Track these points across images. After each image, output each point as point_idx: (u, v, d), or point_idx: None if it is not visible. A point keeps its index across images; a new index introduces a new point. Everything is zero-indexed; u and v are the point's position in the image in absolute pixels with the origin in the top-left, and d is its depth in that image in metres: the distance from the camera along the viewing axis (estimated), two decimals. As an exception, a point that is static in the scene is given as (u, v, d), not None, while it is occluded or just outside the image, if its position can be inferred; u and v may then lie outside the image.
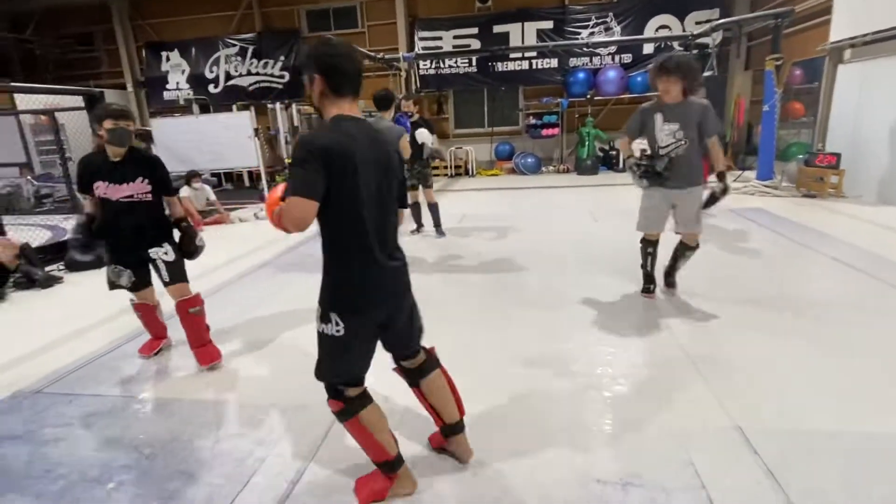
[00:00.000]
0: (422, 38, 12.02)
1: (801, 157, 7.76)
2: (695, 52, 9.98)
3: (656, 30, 11.12)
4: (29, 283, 4.81)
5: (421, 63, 11.95)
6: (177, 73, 13.38)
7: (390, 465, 1.82)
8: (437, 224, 6.01)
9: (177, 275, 2.91)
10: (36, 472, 2.10)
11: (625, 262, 4.54)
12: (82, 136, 8.87)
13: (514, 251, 5.21)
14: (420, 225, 6.23)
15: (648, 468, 1.95)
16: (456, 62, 12.04)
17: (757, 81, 9.73)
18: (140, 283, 2.94)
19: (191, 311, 2.91)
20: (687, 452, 2.02)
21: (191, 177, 7.58)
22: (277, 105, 11.08)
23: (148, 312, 3.07)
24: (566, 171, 11.69)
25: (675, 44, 10.27)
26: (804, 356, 2.77)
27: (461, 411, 2.00)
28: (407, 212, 5.89)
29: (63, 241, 5.84)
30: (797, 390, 2.43)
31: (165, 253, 2.88)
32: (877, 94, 6.80)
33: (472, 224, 6.61)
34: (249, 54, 12.94)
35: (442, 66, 12.12)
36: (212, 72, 13.27)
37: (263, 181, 9.42)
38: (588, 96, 11.25)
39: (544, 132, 11.76)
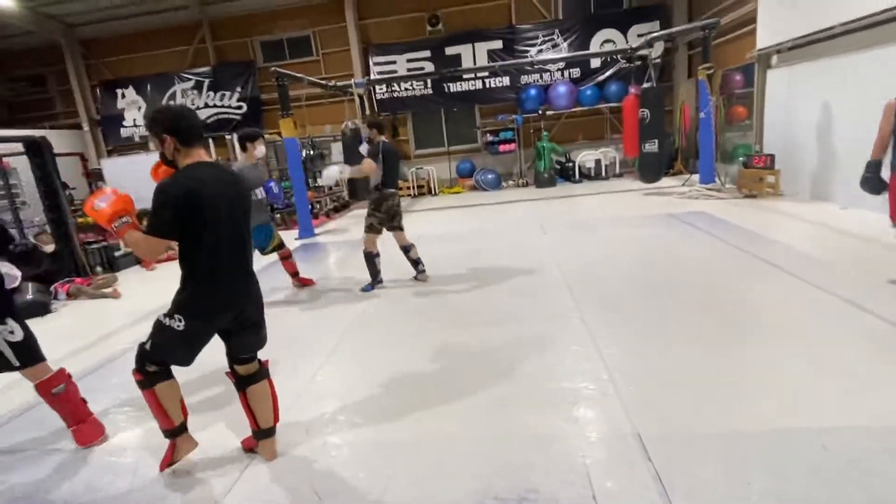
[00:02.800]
0: (376, 63, 12.24)
1: (740, 158, 8.09)
2: (637, 63, 10.39)
3: (601, 44, 11.52)
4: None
5: (377, 87, 12.14)
6: (133, 110, 13.32)
7: (171, 433, 2.25)
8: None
9: (29, 355, 2.49)
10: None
11: (557, 273, 4.69)
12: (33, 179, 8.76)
13: (460, 270, 5.30)
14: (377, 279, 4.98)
15: (547, 480, 2.02)
16: (411, 85, 12.26)
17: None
18: None
19: (53, 392, 2.55)
20: (585, 462, 2.11)
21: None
22: (235, 136, 11.12)
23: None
24: (525, 185, 11.93)
25: (619, 56, 10.65)
26: (715, 359, 2.89)
27: (276, 419, 2.35)
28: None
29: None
30: (702, 394, 2.55)
31: (11, 332, 2.42)
32: (803, 96, 7.16)
33: (425, 246, 6.68)
34: (206, 87, 12.98)
35: (397, 89, 12.33)
36: (169, 107, 13.23)
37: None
38: (541, 111, 11.56)
39: (502, 148, 12.00)
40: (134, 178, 9.27)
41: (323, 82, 9.88)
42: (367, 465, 2.24)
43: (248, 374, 2.28)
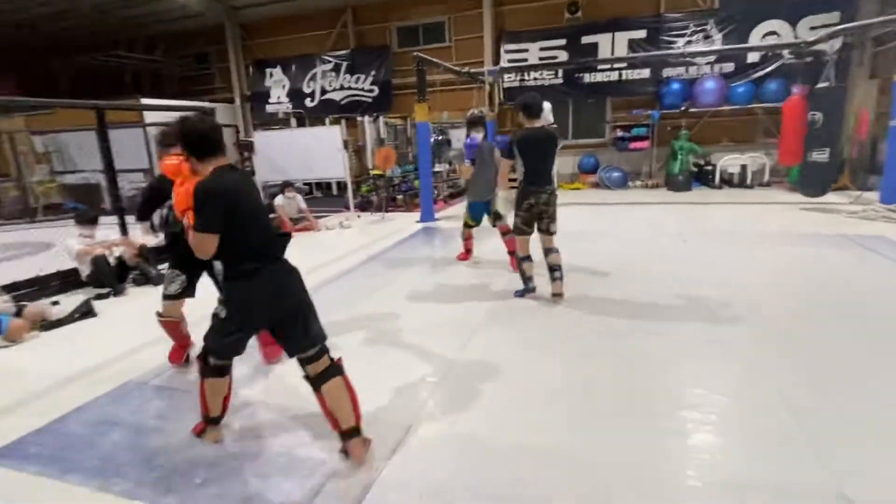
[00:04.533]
0: (508, 51, 12.04)
1: (938, 178, 6.78)
2: (808, 59, 9.13)
3: (763, 36, 10.29)
4: (145, 279, 5.39)
5: (506, 76, 11.96)
6: (278, 89, 14.45)
7: (206, 419, 2.42)
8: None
9: None
10: (138, 458, 2.33)
11: (716, 291, 4.23)
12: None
13: (594, 273, 5.01)
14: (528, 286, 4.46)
15: (735, 531, 1.77)
16: (541, 74, 11.91)
17: (884, 91, 8.65)
18: (184, 293, 3.12)
19: None
20: (782, 519, 1.81)
21: (285, 186, 8.13)
22: (366, 118, 11.62)
23: (176, 326, 3.24)
24: (655, 187, 11.11)
25: (785, 52, 9.43)
26: (935, 418, 2.39)
27: (357, 419, 2.21)
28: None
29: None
30: (925, 459, 2.10)
31: None
32: None
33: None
34: (343, 70, 13.69)
35: (526, 78, 12.05)
36: (309, 87, 14.19)
37: (349, 190, 9.87)
38: (682, 108, 10.64)
39: (632, 145, 11.27)
40: (280, 150, 10.12)
41: (457, 69, 9.92)
42: (524, 470, 2.13)
43: (317, 373, 2.20)
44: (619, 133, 11.42)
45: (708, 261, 5.26)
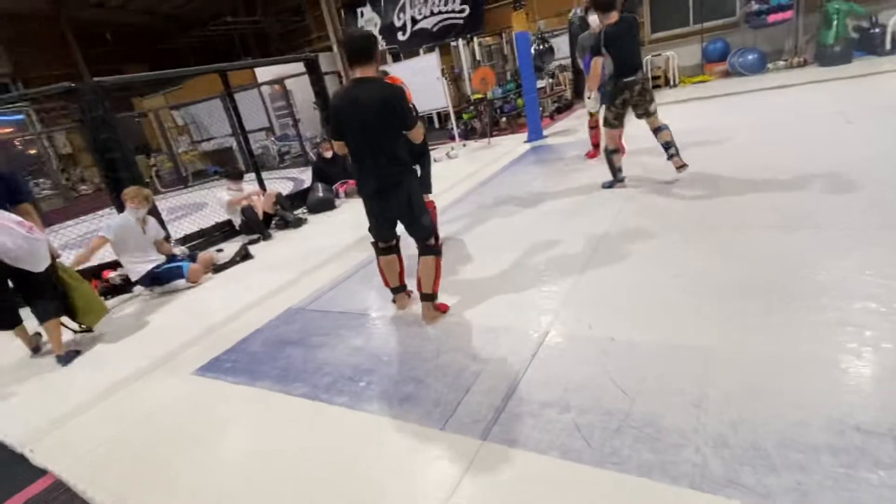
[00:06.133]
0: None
1: None
2: None
3: None
4: (284, 224, 5.98)
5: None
6: (370, 27, 14.39)
7: (392, 290, 3.13)
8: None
9: (427, 187, 3.98)
10: (310, 368, 2.69)
11: (883, 169, 3.59)
12: (306, 98, 10.35)
13: (735, 169, 4.49)
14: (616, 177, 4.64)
15: (934, 422, 1.57)
16: (651, -47, 10.37)
17: None
18: None
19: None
20: None
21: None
22: (460, 42, 11.21)
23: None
24: (803, 65, 9.41)
25: None
26: None
27: (434, 290, 2.90)
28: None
29: (304, 190, 7.00)
30: None
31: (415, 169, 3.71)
32: None
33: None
34: (431, -7, 13.14)
35: (634, -39, 10.57)
36: (399, 19, 13.91)
37: (452, 120, 9.77)
38: (838, -41, 8.64)
39: (771, 18, 9.52)
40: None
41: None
42: (670, 366, 2.08)
43: (422, 248, 2.86)
44: (755, 6, 9.68)
45: (882, 137, 4.42)
